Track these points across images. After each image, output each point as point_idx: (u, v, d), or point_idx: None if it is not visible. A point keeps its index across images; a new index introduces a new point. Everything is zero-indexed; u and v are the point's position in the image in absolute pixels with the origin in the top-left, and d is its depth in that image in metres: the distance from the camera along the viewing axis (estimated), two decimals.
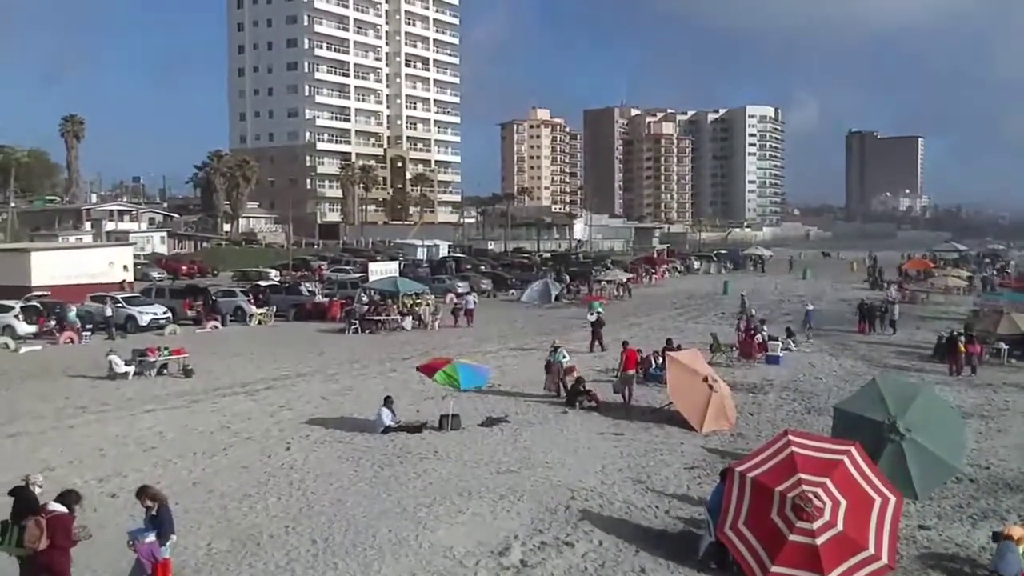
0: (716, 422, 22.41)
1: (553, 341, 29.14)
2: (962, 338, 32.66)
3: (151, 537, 11.44)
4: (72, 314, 39.82)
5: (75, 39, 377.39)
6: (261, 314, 46.20)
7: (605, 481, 17.90)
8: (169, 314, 42.84)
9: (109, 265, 53.93)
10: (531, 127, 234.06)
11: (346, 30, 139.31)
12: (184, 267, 77.66)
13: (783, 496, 12.26)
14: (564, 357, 27.02)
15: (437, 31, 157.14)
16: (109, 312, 40.88)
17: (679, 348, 28.67)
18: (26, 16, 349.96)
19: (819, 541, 11.94)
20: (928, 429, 16.99)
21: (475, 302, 49.88)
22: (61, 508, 11.01)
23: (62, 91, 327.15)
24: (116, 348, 31.61)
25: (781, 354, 33.82)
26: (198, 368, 30.30)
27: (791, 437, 13.46)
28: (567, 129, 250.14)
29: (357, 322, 42.76)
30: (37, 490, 11.75)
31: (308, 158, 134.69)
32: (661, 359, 27.62)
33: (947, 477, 17.48)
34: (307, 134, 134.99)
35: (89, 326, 40.00)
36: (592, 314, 38.75)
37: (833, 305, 56.09)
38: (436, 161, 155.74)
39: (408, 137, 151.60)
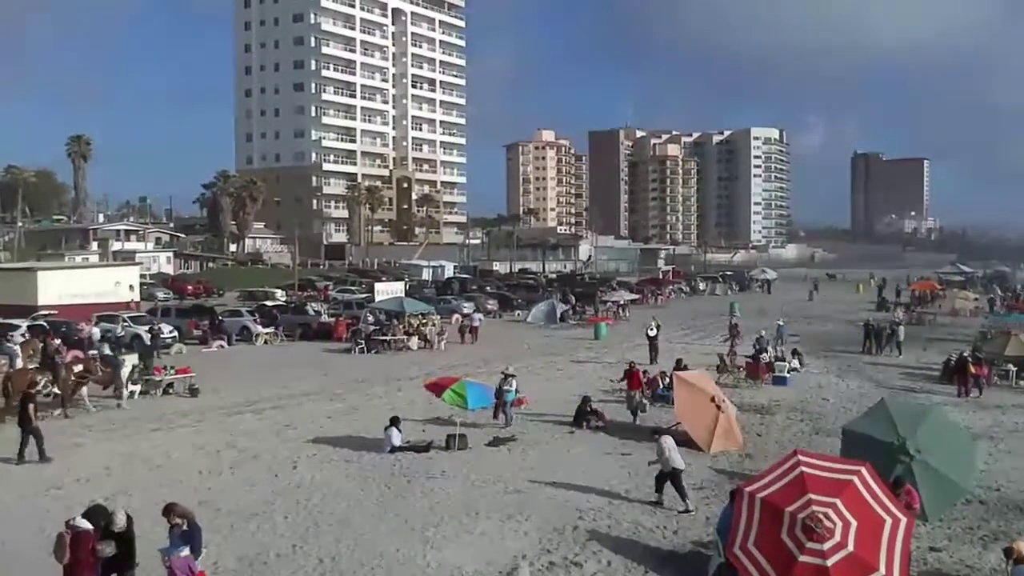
0: (724, 443, 22.35)
1: (505, 368, 27.87)
2: (971, 359, 32.56)
3: (185, 551, 11.57)
4: (97, 335, 39.79)
5: (82, 60, 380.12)
6: (267, 334, 46.22)
7: (613, 501, 17.83)
8: (175, 333, 42.84)
9: (115, 285, 54.02)
10: (537, 148, 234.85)
11: (353, 51, 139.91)
12: (190, 287, 77.65)
13: (793, 516, 12.17)
14: (511, 389, 25.56)
15: (443, 53, 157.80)
16: (120, 332, 40.93)
17: (686, 368, 28.63)
18: (33, 36, 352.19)
19: (830, 562, 11.83)
20: (938, 450, 16.93)
21: (480, 319, 50.51)
22: (86, 525, 11.21)
23: (70, 112, 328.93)
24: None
25: (788, 375, 33.72)
26: (204, 387, 30.32)
27: (801, 457, 13.37)
28: (572, 150, 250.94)
29: (363, 342, 42.78)
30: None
31: (314, 178, 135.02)
32: (668, 379, 27.57)
33: (957, 498, 17.39)
34: (313, 155, 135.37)
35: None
36: (652, 329, 40.87)
37: (840, 326, 55.95)
38: (442, 182, 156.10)
39: (414, 158, 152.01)
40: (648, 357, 37.86)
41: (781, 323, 46.20)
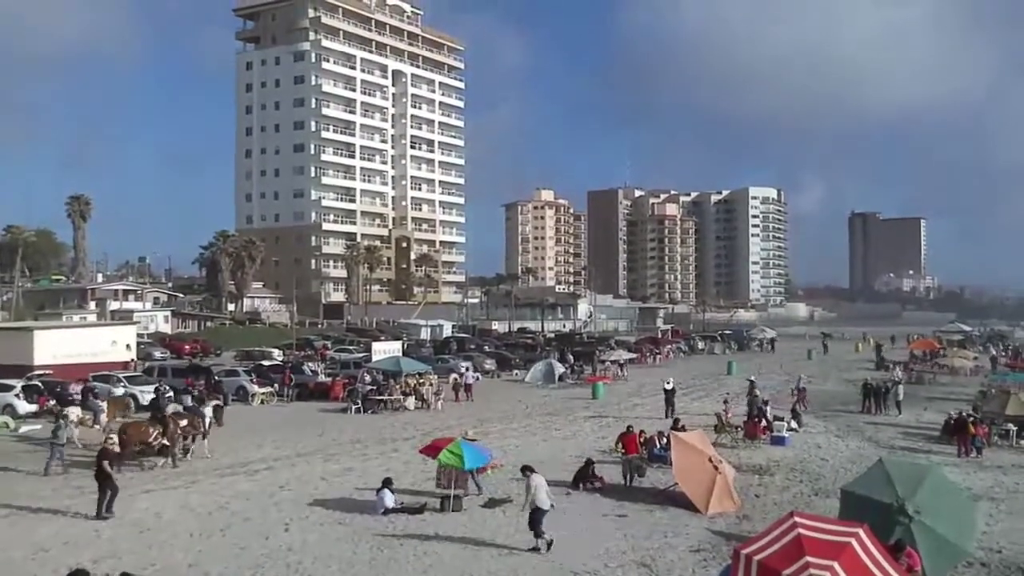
0: (721, 504, 22.12)
1: (464, 433, 27.57)
2: (971, 419, 32.37)
3: None
4: (120, 393, 39.89)
5: (83, 120, 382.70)
6: (263, 394, 45.98)
7: (609, 564, 17.59)
8: (171, 393, 42.57)
9: (112, 344, 53.86)
10: (535, 208, 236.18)
11: (353, 112, 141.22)
12: (187, 346, 77.40)
13: None
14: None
15: (443, 114, 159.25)
16: (117, 392, 40.79)
17: (683, 429, 28.44)
18: (33, 97, 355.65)
19: None
20: (938, 511, 16.72)
21: (475, 377, 51.08)
22: None
23: (70, 171, 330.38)
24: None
25: (787, 435, 33.50)
26: (198, 447, 30.04)
27: (797, 519, 13.19)
28: (571, 210, 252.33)
29: (360, 402, 42.55)
30: None
31: (313, 238, 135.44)
32: (666, 440, 27.37)
33: (958, 561, 17.15)
34: (313, 215, 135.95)
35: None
36: (668, 383, 41.98)
37: (838, 385, 55.75)
38: (441, 241, 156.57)
39: (413, 218, 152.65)
40: (664, 412, 39.35)
41: (753, 378, 46.20)
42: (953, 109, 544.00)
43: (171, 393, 42.29)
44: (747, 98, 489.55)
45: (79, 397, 39.71)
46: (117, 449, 23.62)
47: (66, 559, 16.77)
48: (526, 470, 19.72)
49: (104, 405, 35.36)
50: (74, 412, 32.38)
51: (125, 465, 25.81)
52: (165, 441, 27.68)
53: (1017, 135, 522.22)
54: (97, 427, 30.95)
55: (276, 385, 47.85)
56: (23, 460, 28.44)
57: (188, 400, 37.61)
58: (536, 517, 18.34)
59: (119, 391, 41.77)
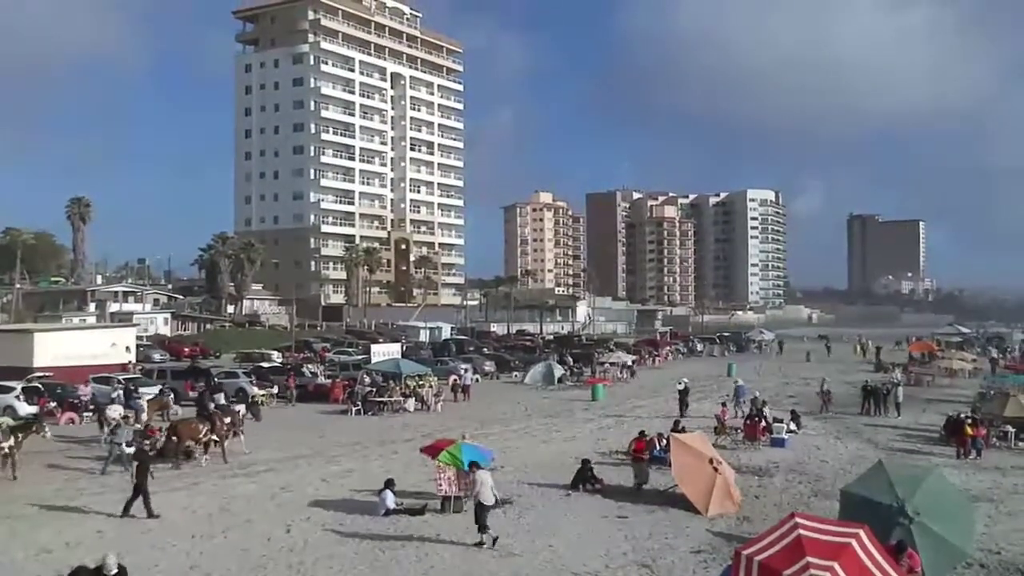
0: (722, 505, 22.17)
1: (462, 435, 27.26)
2: (969, 420, 32.42)
3: None
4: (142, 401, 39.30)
5: (83, 123, 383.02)
6: (263, 395, 45.97)
7: (610, 565, 17.64)
8: (171, 395, 42.59)
9: (112, 346, 53.84)
10: (534, 210, 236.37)
11: (352, 115, 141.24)
12: (187, 348, 77.37)
13: None
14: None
15: (442, 116, 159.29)
16: (115, 394, 40.81)
17: (683, 430, 28.47)
18: (33, 100, 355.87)
19: None
20: (937, 513, 16.79)
21: (472, 379, 52.39)
22: None
23: (70, 174, 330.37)
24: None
25: (786, 436, 33.56)
26: (235, 444, 30.45)
27: (798, 519, 13.27)
28: (570, 212, 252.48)
29: (359, 403, 42.61)
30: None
31: (312, 240, 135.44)
32: (666, 442, 27.39)
33: (957, 562, 17.21)
34: (312, 217, 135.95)
35: (92, 407, 39.77)
36: (680, 384, 43.43)
37: (837, 388, 55.69)
38: (440, 244, 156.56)
39: (412, 220, 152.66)
40: (679, 411, 40.25)
41: (740, 383, 45.85)
42: (953, 112, 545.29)
43: (171, 395, 42.51)
44: (746, 101, 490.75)
45: (87, 399, 39.96)
46: (161, 444, 24.75)
47: (69, 559, 16.81)
48: (473, 466, 20.08)
49: (144, 404, 36.47)
50: (116, 411, 33.23)
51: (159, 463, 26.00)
52: (214, 437, 28.82)
53: (1016, 138, 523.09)
54: (138, 425, 31.55)
55: (277, 388, 47.93)
56: (23, 461, 28.46)
57: (221, 399, 38.46)
58: (480, 512, 18.83)
59: (155, 390, 42.69)
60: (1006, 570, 17.80)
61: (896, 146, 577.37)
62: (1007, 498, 24.62)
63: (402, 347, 66.25)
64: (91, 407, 38.97)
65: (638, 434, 27.58)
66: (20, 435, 27.09)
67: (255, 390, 46.13)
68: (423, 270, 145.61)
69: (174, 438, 28.11)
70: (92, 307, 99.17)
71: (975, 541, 18.32)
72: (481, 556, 18.12)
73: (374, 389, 45.17)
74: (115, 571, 11.66)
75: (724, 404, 38.96)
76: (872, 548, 12.88)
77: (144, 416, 35.10)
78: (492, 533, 18.70)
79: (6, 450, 26.31)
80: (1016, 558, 18.59)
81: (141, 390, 42.13)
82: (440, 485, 22.04)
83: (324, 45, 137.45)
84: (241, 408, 33.81)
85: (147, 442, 24.29)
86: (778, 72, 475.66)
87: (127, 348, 56.08)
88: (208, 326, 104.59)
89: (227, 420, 30.21)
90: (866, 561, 12.56)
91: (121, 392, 40.08)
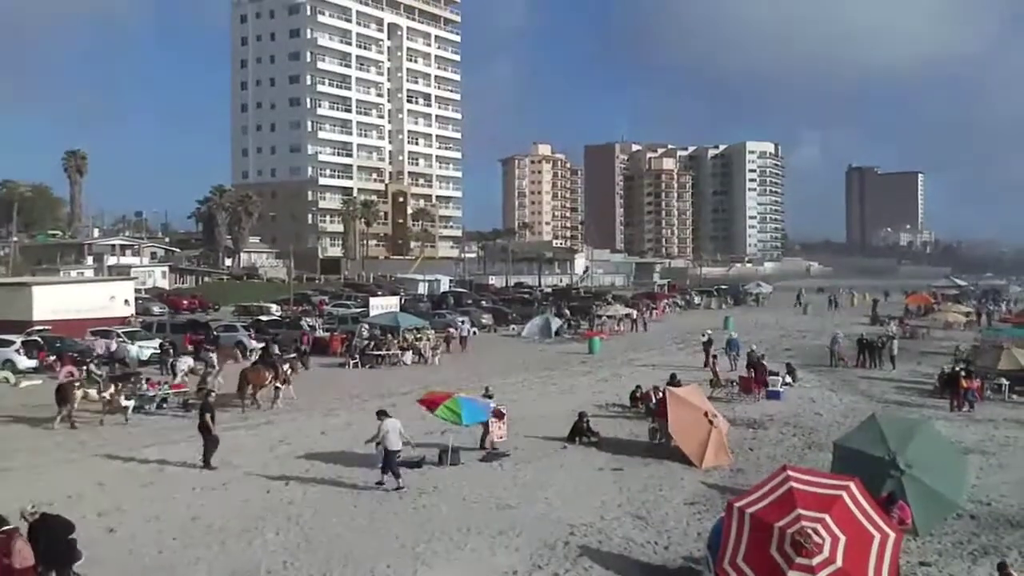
0: (716, 458, 22.37)
1: (486, 389, 27.47)
2: (963, 373, 32.59)
3: None
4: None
5: (79, 75, 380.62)
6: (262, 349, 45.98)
7: (604, 517, 17.85)
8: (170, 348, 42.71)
9: (110, 300, 53.95)
10: (532, 163, 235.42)
11: (348, 66, 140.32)
12: (185, 302, 77.53)
13: (782, 532, 12.22)
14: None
15: (439, 67, 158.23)
16: (114, 346, 40.95)
17: (679, 383, 28.61)
18: (30, 52, 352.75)
19: None
20: (928, 465, 16.99)
21: (470, 331, 52.77)
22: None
23: (66, 127, 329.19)
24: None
25: (781, 389, 33.75)
26: (286, 392, 31.30)
27: (790, 472, 13.43)
28: (568, 165, 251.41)
29: (358, 357, 42.79)
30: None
31: (310, 193, 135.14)
32: (661, 394, 27.52)
33: (948, 513, 17.43)
34: (309, 169, 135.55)
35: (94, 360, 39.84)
36: (704, 335, 44.36)
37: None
38: (437, 196, 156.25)
39: (410, 172, 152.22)
40: (704, 361, 40.79)
41: (734, 335, 45.72)
42: (952, 64, 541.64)
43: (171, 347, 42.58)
44: (745, 53, 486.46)
45: (101, 353, 39.87)
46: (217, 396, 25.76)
47: (70, 512, 16.96)
48: (380, 414, 20.43)
49: (215, 356, 37.16)
50: (186, 362, 34.96)
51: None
52: (278, 384, 31.03)
53: (1016, 90, 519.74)
54: (210, 373, 33.01)
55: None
56: (23, 414, 28.68)
57: (276, 349, 39.30)
58: (388, 459, 19.66)
59: (227, 339, 44.66)
60: (996, 521, 18.01)
61: (896, 98, 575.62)
62: (999, 450, 24.82)
63: (401, 300, 66.38)
64: (111, 361, 38.94)
65: (659, 392, 27.60)
66: (119, 385, 28.95)
67: (254, 343, 45.70)
68: (421, 223, 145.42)
69: (246, 384, 30.19)
70: (90, 260, 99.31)
71: (966, 493, 18.54)
72: (478, 507, 18.33)
73: (372, 342, 45.30)
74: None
75: (715, 356, 39.16)
76: (863, 500, 13.06)
77: (216, 367, 35.62)
78: (400, 483, 19.60)
79: (108, 397, 28.11)
80: (1007, 510, 18.80)
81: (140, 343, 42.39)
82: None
83: None
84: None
85: (212, 395, 24.71)
86: (778, 23, 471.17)
87: (126, 301, 56.19)
88: (206, 279, 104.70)
89: (286, 368, 32.39)
90: (856, 513, 12.75)
91: (127, 344, 41.37)
